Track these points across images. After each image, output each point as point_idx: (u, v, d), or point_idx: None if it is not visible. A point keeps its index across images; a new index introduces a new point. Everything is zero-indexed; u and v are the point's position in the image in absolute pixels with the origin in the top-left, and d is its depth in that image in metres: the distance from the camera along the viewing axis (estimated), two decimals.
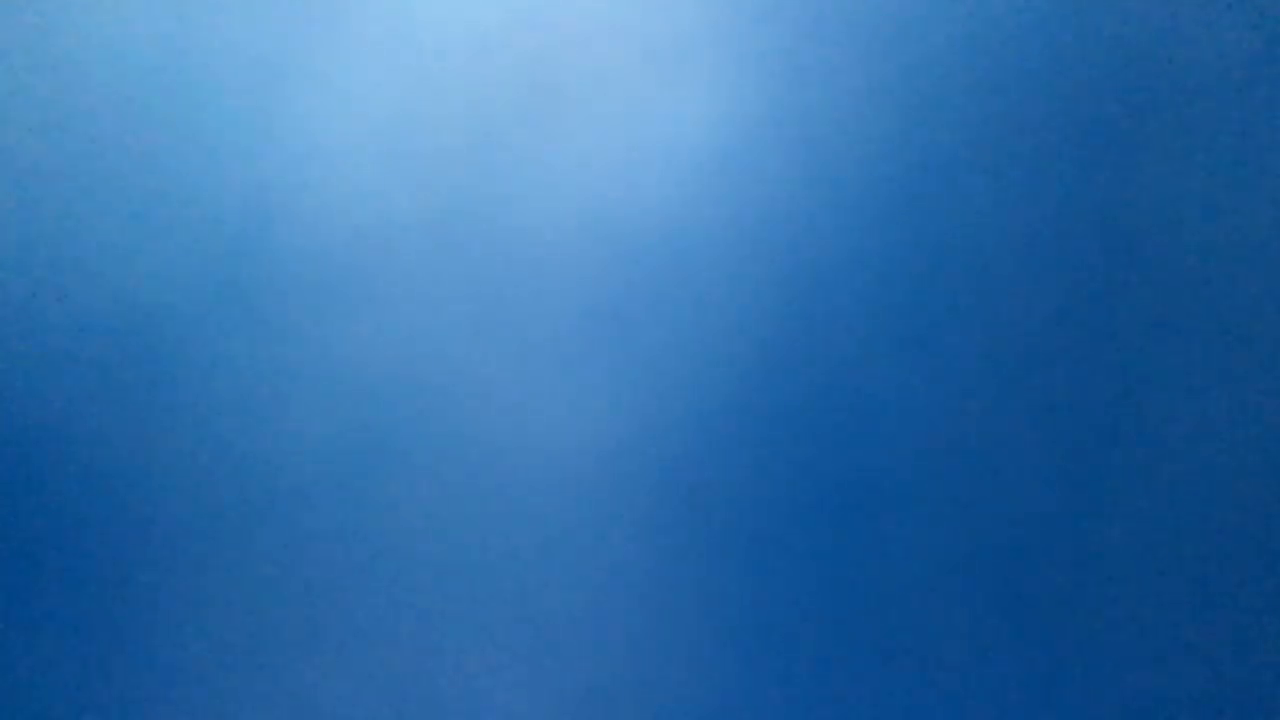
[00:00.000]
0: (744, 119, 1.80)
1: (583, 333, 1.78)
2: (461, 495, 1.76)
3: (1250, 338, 1.73)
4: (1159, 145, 1.77)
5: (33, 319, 1.77)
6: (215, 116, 1.81)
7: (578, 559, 1.75)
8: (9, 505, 1.74)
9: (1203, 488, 1.72)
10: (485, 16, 1.83)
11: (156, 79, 1.81)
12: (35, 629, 1.72)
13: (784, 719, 1.71)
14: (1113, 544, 1.72)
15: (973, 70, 1.79)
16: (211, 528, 1.74)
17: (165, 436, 1.75)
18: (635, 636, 1.73)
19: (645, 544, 1.74)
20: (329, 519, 1.75)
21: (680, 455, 1.76)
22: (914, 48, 1.79)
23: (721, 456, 1.76)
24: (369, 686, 1.72)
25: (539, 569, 1.74)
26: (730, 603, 1.73)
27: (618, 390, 1.77)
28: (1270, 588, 1.69)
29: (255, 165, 1.80)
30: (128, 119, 1.80)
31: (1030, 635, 1.71)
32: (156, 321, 1.77)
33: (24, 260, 1.78)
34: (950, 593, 1.72)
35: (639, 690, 1.72)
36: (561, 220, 1.80)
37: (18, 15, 1.80)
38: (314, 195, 1.80)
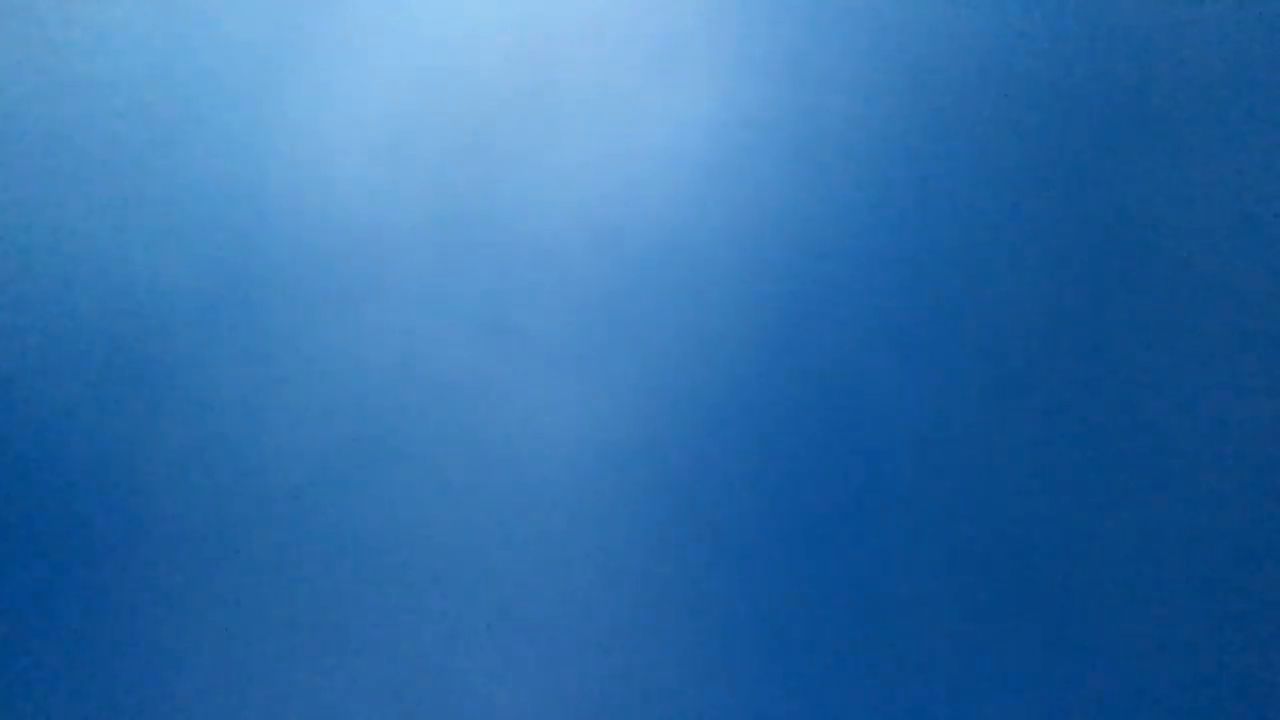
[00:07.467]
0: (743, 119, 1.79)
1: (582, 332, 1.78)
2: (462, 495, 1.76)
3: (1250, 338, 1.73)
4: (1159, 145, 1.77)
5: (32, 319, 1.77)
6: (215, 116, 1.81)
7: (579, 558, 1.75)
8: (9, 505, 1.74)
9: (1203, 488, 1.72)
10: (485, 16, 1.83)
11: (156, 79, 1.81)
12: (35, 629, 1.73)
13: (783, 718, 1.71)
14: (1113, 544, 1.72)
15: (973, 70, 1.79)
16: (211, 528, 1.74)
17: (164, 436, 1.75)
18: (636, 635, 1.73)
19: (646, 543, 1.74)
20: (329, 519, 1.75)
21: (681, 454, 1.76)
22: (914, 47, 1.79)
23: (722, 456, 1.76)
24: (368, 685, 1.72)
25: (540, 568, 1.75)
26: (731, 601, 1.73)
27: (617, 390, 1.77)
28: (1270, 588, 1.69)
29: (255, 165, 1.80)
30: (127, 119, 1.80)
31: (1030, 635, 1.71)
32: (156, 321, 1.77)
33: (23, 260, 1.78)
34: (950, 592, 1.72)
35: (639, 688, 1.72)
36: (561, 220, 1.80)
37: (18, 15, 1.80)
38: (314, 195, 1.80)
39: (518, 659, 1.73)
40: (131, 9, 1.81)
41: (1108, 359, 1.75)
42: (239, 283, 1.78)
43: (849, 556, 1.73)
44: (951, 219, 1.77)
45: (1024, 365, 1.75)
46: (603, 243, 1.79)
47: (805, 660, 1.72)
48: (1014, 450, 1.74)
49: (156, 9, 1.82)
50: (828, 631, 1.72)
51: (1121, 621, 1.71)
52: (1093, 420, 1.74)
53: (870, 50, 1.79)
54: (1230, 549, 1.70)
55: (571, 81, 1.81)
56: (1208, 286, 1.75)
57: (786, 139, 1.79)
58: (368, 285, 1.79)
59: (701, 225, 1.79)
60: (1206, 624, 1.70)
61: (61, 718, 1.71)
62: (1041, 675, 1.70)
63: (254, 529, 1.74)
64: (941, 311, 1.76)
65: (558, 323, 1.78)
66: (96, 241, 1.78)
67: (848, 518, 1.74)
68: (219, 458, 1.75)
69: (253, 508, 1.74)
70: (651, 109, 1.80)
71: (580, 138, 1.80)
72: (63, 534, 1.74)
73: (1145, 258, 1.76)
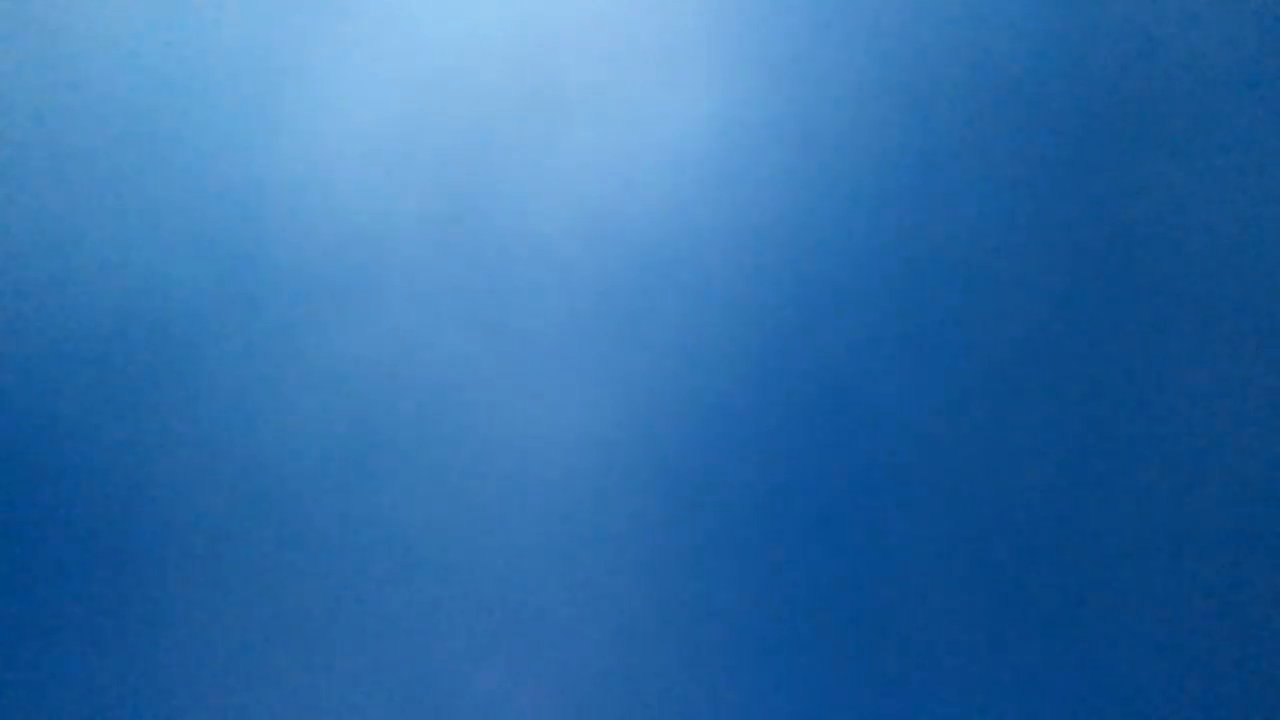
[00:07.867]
0: (744, 119, 1.80)
1: (583, 332, 1.78)
2: (461, 495, 1.76)
3: (1250, 338, 1.73)
4: (1159, 145, 1.77)
5: (33, 319, 1.77)
6: (215, 117, 1.81)
7: (577, 557, 1.74)
8: (9, 505, 1.74)
9: (1203, 487, 1.71)
10: (485, 17, 1.83)
11: (156, 80, 1.81)
12: (35, 629, 1.72)
13: (782, 718, 1.71)
14: (1113, 543, 1.71)
15: (973, 70, 1.79)
16: (211, 528, 1.74)
17: (165, 437, 1.75)
18: (635, 634, 1.73)
19: (645, 542, 1.74)
20: (329, 518, 1.74)
21: (680, 454, 1.76)
22: (914, 47, 1.79)
23: (721, 455, 1.75)
24: (367, 684, 1.72)
25: (539, 567, 1.74)
26: (729, 600, 1.73)
27: (617, 390, 1.77)
28: (1270, 588, 1.69)
29: (255, 166, 1.80)
30: (127, 120, 1.80)
31: (1030, 635, 1.70)
32: (156, 322, 1.77)
33: (24, 261, 1.78)
34: (950, 591, 1.72)
35: (638, 687, 1.72)
36: (561, 220, 1.80)
37: (18, 15, 1.80)
38: (314, 196, 1.80)
39: (518, 658, 1.73)
40: (131, 9, 1.82)
41: (1108, 359, 1.74)
42: (239, 283, 1.78)
43: (851, 555, 1.73)
44: (951, 218, 1.77)
45: (1025, 363, 1.75)
46: (603, 243, 1.79)
47: (807, 660, 1.71)
48: (1013, 447, 1.74)
49: (156, 9, 1.82)
50: (830, 631, 1.72)
51: (1122, 620, 1.70)
52: (1093, 421, 1.74)
53: (870, 50, 1.80)
54: (1231, 548, 1.70)
55: (572, 82, 1.81)
56: (1208, 286, 1.75)
57: (787, 139, 1.79)
58: (368, 285, 1.78)
59: (701, 225, 1.79)
60: (1207, 623, 1.69)
61: (62, 717, 1.71)
62: (1043, 674, 1.70)
63: (254, 528, 1.74)
64: (941, 311, 1.76)
65: (558, 322, 1.78)
66: (97, 242, 1.78)
67: (849, 516, 1.73)
68: (219, 457, 1.75)
69: (253, 507, 1.74)
70: (652, 109, 1.80)
71: (580, 138, 1.80)
72: (63, 532, 1.74)
73: (1145, 257, 1.75)
